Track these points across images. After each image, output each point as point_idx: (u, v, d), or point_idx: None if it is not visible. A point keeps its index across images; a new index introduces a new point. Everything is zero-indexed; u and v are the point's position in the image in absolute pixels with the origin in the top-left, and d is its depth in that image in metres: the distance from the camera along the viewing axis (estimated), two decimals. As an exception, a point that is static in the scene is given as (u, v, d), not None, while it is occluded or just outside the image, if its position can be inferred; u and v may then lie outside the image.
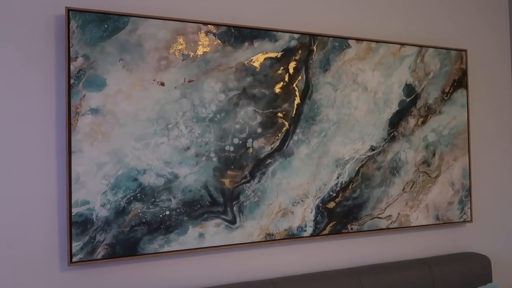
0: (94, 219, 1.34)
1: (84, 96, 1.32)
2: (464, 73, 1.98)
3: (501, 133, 2.16)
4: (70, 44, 1.30)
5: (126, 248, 1.37)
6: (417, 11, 1.96)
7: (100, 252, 1.34)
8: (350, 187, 1.73)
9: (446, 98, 1.94)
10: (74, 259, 1.31)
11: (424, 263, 1.79)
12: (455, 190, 1.96)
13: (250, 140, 1.55)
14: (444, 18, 2.02)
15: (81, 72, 1.32)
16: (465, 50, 1.98)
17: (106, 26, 1.35)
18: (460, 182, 1.97)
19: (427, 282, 1.74)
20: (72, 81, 1.31)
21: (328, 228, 1.68)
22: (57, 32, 1.34)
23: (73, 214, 1.31)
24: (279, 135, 1.60)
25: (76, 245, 1.31)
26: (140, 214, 1.39)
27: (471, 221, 1.98)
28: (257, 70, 1.56)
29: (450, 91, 1.95)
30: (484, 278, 1.87)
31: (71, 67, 1.31)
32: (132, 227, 1.38)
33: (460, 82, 1.97)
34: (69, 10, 1.30)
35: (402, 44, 1.84)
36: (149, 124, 1.41)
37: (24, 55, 1.31)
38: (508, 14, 2.21)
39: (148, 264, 1.44)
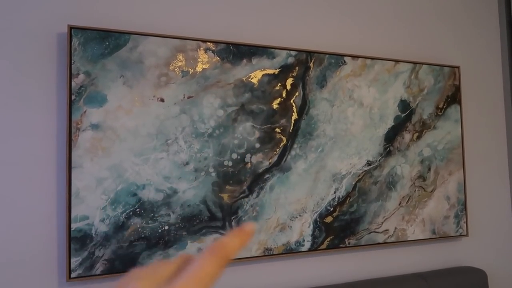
0: (93, 235, 1.34)
1: (85, 112, 1.34)
2: (457, 89, 2.02)
3: (495, 147, 2.19)
4: (72, 61, 1.33)
5: (125, 264, 1.37)
6: (411, 29, 2.01)
7: (99, 267, 1.34)
8: (347, 201, 1.74)
9: (440, 113, 1.97)
10: (72, 275, 1.31)
11: (421, 277, 1.80)
12: (451, 204, 1.98)
13: (248, 155, 1.57)
14: (437, 36, 2.07)
15: (82, 88, 1.34)
16: (458, 67, 2.02)
17: (107, 43, 1.37)
18: (456, 196, 1.99)
19: (425, 296, 1.75)
20: (73, 97, 1.33)
21: (325, 243, 1.69)
22: (59, 49, 1.36)
23: (72, 229, 1.31)
24: (277, 150, 1.62)
25: (75, 261, 1.31)
26: (139, 229, 1.40)
27: (467, 235, 2.00)
28: (255, 86, 1.59)
29: (444, 106, 1.98)
30: (481, 292, 1.88)
31: (73, 83, 1.32)
32: (131, 242, 1.39)
33: (453, 97, 2.01)
34: (71, 28, 1.32)
35: (397, 61, 1.88)
36: (149, 139, 1.42)
37: (26, 71, 1.32)
38: (499, 31, 2.27)
39: (147, 280, 1.44)
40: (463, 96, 2.12)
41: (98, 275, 1.34)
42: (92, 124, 1.35)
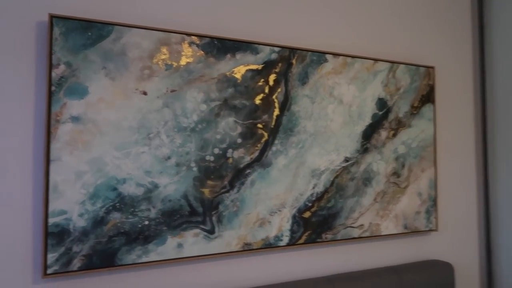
0: (71, 230, 1.31)
1: (65, 104, 1.30)
2: (431, 89, 2.08)
3: (463, 146, 2.28)
4: (52, 51, 1.28)
5: (103, 259, 1.35)
6: (389, 29, 2.05)
7: (76, 263, 1.31)
8: (325, 197, 1.77)
9: (415, 112, 2.03)
10: (48, 271, 1.28)
11: (393, 270, 1.87)
12: (422, 200, 2.05)
13: (230, 150, 1.57)
14: (414, 37, 2.13)
15: (62, 79, 1.29)
16: (432, 67, 2.09)
17: (90, 34, 1.33)
18: (427, 193, 2.06)
19: (396, 289, 1.82)
20: (53, 88, 1.28)
21: (303, 238, 1.72)
22: (38, 38, 1.31)
23: (49, 224, 1.28)
24: (259, 145, 1.62)
25: (51, 257, 1.28)
26: (119, 224, 1.38)
27: (436, 229, 2.08)
28: (239, 81, 1.59)
29: (419, 105, 2.04)
30: (448, 284, 1.97)
31: (53, 74, 1.28)
32: (110, 238, 1.36)
33: (428, 97, 2.07)
34: (52, 17, 1.27)
35: (376, 60, 1.91)
36: (131, 133, 1.39)
37: (3, 60, 1.27)
38: (471, 35, 2.35)
39: (126, 275, 1.42)
40: (437, 96, 2.19)
41: (76, 271, 1.31)
42: (72, 117, 1.31)
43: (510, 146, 2.19)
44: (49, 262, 1.27)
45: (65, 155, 1.30)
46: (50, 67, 1.28)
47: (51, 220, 1.28)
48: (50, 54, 1.27)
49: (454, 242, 2.23)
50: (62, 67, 1.29)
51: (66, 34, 1.30)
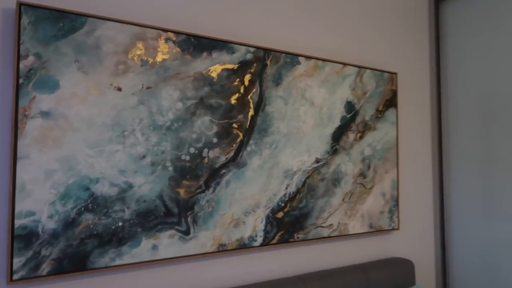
0: (40, 232, 1.23)
1: (34, 97, 1.22)
2: (394, 94, 2.18)
3: (422, 148, 2.40)
4: (21, 41, 1.20)
5: (74, 263, 1.28)
6: (358, 35, 2.12)
7: (46, 268, 1.23)
8: (297, 197, 1.79)
9: (380, 115, 2.11)
10: (15, 277, 1.19)
11: (360, 268, 1.91)
12: (386, 200, 2.12)
13: (206, 150, 1.54)
14: (380, 44, 2.21)
15: (31, 71, 1.22)
16: (395, 73, 2.18)
17: (61, 24, 1.26)
18: (390, 193, 2.14)
19: (364, 286, 1.86)
20: (21, 80, 1.20)
21: (277, 238, 1.72)
22: (4, 27, 1.22)
23: (16, 226, 1.19)
24: (234, 145, 1.61)
25: (18, 261, 1.19)
26: (91, 226, 1.31)
27: (398, 228, 2.16)
28: (215, 80, 1.57)
29: (383, 109, 2.13)
30: (409, 280, 2.05)
31: (21, 65, 1.20)
32: (81, 240, 1.29)
33: (391, 101, 2.16)
34: (21, 4, 1.20)
35: (345, 64, 1.97)
36: (104, 130, 1.34)
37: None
38: (429, 44, 2.49)
39: (99, 279, 1.35)
40: (399, 101, 2.29)
41: (45, 276, 1.23)
42: (42, 112, 1.23)
43: (462, 149, 2.33)
44: (15, 267, 1.19)
45: (33, 152, 1.22)
46: (18, 58, 1.20)
47: (17, 222, 1.19)
48: (18, 44, 1.19)
49: (414, 240, 2.33)
50: (31, 58, 1.22)
51: (35, 24, 1.23)
